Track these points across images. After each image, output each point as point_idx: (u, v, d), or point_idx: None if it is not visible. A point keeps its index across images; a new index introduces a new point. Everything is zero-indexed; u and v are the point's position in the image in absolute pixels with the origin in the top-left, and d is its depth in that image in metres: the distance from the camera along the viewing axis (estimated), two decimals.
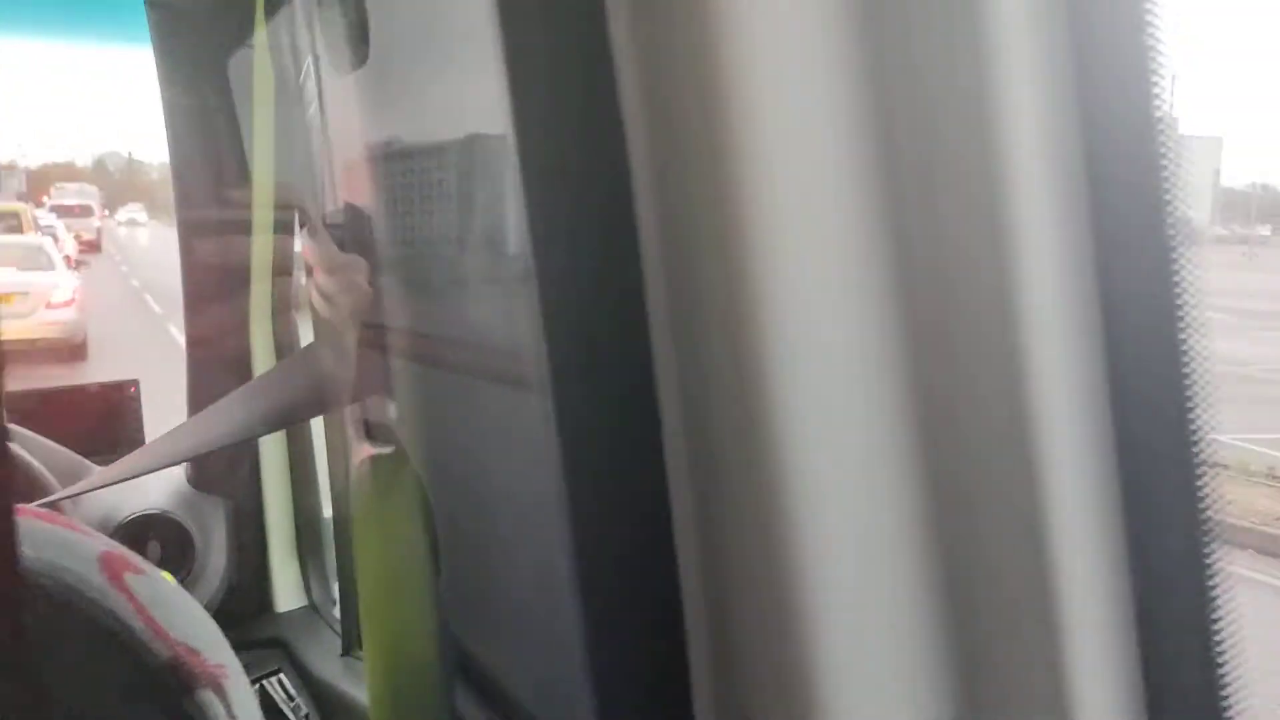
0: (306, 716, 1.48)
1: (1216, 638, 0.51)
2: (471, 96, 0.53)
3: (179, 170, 1.66)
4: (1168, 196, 0.47)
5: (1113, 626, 0.49)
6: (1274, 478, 7.96)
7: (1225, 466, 8.24)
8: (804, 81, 0.46)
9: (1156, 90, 0.46)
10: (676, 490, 0.51)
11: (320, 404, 0.85)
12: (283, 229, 1.58)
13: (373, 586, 0.92)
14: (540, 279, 0.52)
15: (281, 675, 1.55)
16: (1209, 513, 0.51)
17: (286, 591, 1.75)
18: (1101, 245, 0.47)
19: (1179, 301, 0.48)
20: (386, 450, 0.84)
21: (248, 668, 1.70)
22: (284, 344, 1.55)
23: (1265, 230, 61.98)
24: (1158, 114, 0.46)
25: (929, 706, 0.49)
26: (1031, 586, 0.47)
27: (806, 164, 0.46)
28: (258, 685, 1.53)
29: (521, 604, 0.90)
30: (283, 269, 1.57)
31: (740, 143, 0.45)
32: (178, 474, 1.73)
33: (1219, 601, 0.51)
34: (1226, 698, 0.51)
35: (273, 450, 1.70)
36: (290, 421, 1.08)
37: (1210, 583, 0.51)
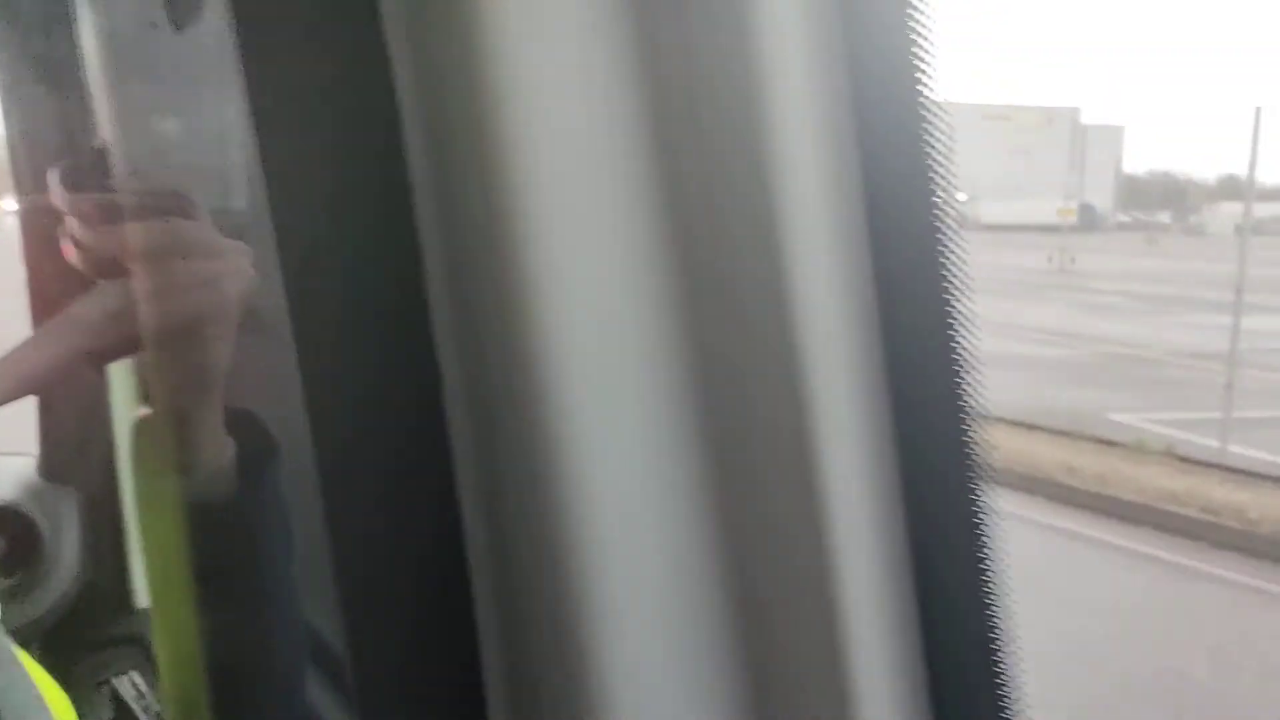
0: (159, 714, 1.41)
1: (995, 627, 0.53)
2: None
3: (17, 147, 1.56)
4: (936, 185, 0.49)
5: (895, 620, 0.51)
6: (1171, 456, 8.24)
7: (1124, 445, 8.57)
8: (578, 80, 0.46)
9: (924, 88, 0.48)
10: (466, 498, 0.50)
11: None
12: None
13: (148, 569, 0.86)
14: (312, 278, 0.51)
15: (134, 673, 1.48)
16: (984, 497, 0.53)
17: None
18: (874, 236, 0.49)
19: (948, 285, 0.50)
20: (148, 411, 0.79)
21: (105, 667, 1.61)
22: None
23: (1165, 217, 64.42)
24: (925, 111, 0.48)
25: (716, 702, 0.49)
26: (815, 582, 0.48)
27: (582, 163, 0.46)
28: (107, 685, 1.46)
29: (314, 605, 0.86)
30: None
31: (515, 142, 0.45)
32: (25, 464, 1.64)
33: (995, 589, 0.54)
34: (1004, 683, 0.54)
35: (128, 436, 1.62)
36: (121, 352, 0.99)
37: (986, 571, 0.53)
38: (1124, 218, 65.68)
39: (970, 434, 0.52)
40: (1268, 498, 7.20)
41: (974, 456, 0.52)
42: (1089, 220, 55.16)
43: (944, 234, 0.49)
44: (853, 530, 0.49)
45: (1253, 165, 9.31)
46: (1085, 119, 75.83)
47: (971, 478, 0.52)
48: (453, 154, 0.47)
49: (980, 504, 0.52)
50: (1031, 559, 6.64)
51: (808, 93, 0.47)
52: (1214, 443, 8.57)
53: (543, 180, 0.45)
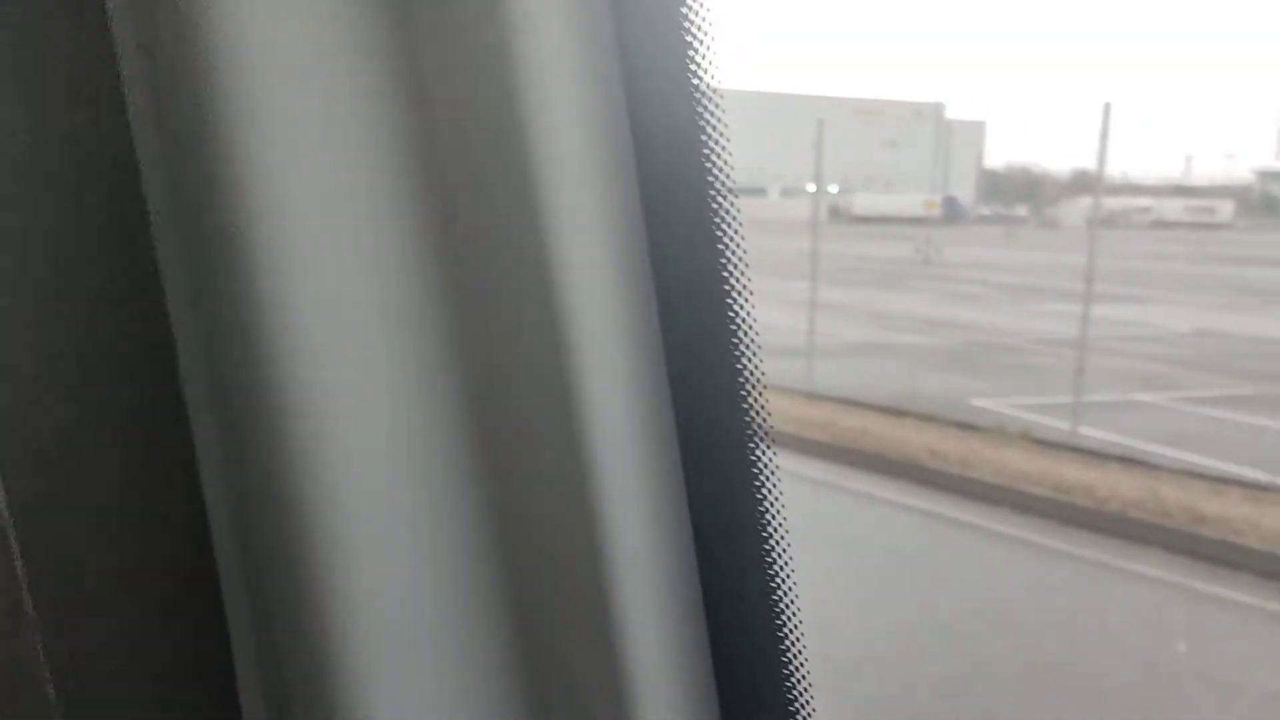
0: None
1: (780, 614, 0.54)
2: None
3: None
4: (711, 172, 0.49)
5: (679, 614, 0.50)
6: (1027, 439, 8.61)
7: (983, 429, 8.89)
8: (325, 70, 0.43)
9: (699, 76, 0.47)
10: (211, 498, 0.48)
11: None
12: None
13: None
14: (43, 277, 0.48)
15: None
16: (767, 488, 0.53)
17: None
18: (650, 225, 0.48)
19: (725, 269, 0.49)
20: None
21: None
22: None
23: (1023, 210, 67.08)
24: (700, 100, 0.47)
25: (484, 701, 0.48)
26: (592, 577, 0.48)
27: (331, 158, 0.44)
28: None
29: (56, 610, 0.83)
30: None
31: (255, 135, 0.42)
32: None
33: (780, 578, 0.54)
34: (790, 670, 0.54)
35: None
36: None
37: (770, 560, 0.53)
38: (985, 210, 68.05)
39: (753, 427, 0.52)
40: (1114, 477, 7.60)
41: (757, 452, 0.52)
42: (952, 213, 57.06)
43: (720, 219, 0.49)
44: (632, 521, 0.48)
45: (1101, 160, 9.72)
46: (949, 114, 78.22)
47: (755, 474, 0.52)
48: (187, 152, 0.43)
49: (763, 493, 0.52)
50: (897, 541, 6.86)
51: (576, 84, 0.46)
52: (1066, 425, 9.00)
53: (284, 173, 0.43)
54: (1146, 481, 7.48)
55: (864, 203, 58.26)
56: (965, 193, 68.23)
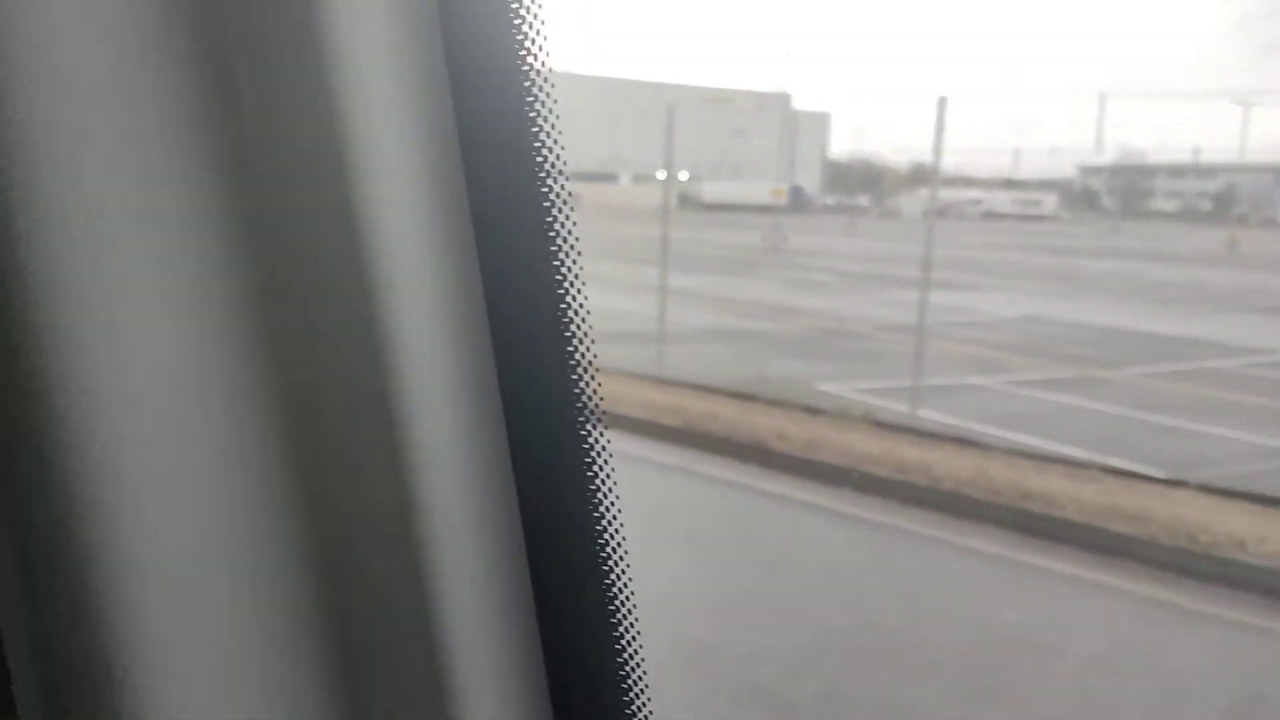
0: None
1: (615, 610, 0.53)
2: None
3: None
4: (541, 159, 0.48)
5: (508, 610, 0.49)
6: (868, 422, 8.94)
7: (828, 412, 9.16)
8: (105, 59, 0.40)
9: (526, 62, 0.46)
10: None
11: None
12: None
13: None
14: None
15: None
16: (598, 477, 0.52)
17: None
18: (477, 219, 0.47)
19: (555, 256, 0.49)
20: None
21: None
22: None
23: (865, 201, 69.43)
24: (528, 87, 0.47)
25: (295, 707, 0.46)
26: (415, 572, 0.46)
27: (116, 156, 0.41)
28: None
29: None
30: None
31: (37, 141, 0.39)
32: None
33: (612, 567, 0.53)
34: (624, 663, 0.54)
35: None
36: None
37: (601, 548, 0.53)
38: (830, 200, 70.05)
39: (584, 414, 0.51)
40: (949, 457, 7.97)
41: (588, 439, 0.51)
42: (799, 202, 58.56)
43: (550, 203, 0.48)
44: (458, 515, 0.47)
45: (937, 153, 10.11)
46: (795, 105, 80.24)
47: (586, 461, 0.51)
48: None
49: (595, 481, 0.52)
50: (744, 522, 7.02)
51: (396, 66, 0.44)
52: (905, 408, 9.38)
53: (78, 171, 0.40)
54: (979, 461, 7.86)
55: (713, 190, 59.22)
56: (811, 182, 70.11)
